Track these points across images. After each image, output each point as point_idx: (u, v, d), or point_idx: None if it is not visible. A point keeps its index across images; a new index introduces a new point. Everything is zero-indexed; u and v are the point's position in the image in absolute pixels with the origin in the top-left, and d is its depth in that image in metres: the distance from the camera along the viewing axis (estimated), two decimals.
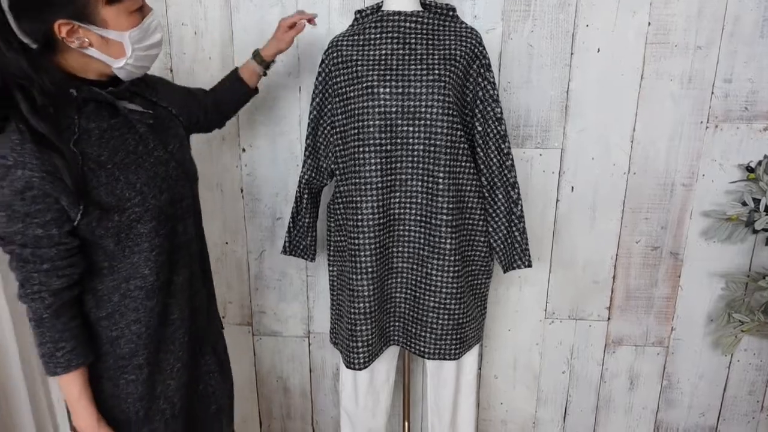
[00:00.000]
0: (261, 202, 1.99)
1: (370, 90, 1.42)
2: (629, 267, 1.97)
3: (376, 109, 1.42)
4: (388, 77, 1.42)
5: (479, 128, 1.52)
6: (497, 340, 2.08)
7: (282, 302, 2.10)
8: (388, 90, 1.41)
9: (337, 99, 1.50)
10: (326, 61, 1.51)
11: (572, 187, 1.90)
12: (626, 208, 1.91)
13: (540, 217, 1.93)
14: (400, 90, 1.41)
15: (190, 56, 1.87)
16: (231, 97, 1.59)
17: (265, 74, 1.61)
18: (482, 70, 1.49)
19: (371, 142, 1.43)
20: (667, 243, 1.93)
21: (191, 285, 1.26)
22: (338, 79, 1.48)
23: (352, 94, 1.46)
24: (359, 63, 1.44)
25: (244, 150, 1.95)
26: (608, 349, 2.06)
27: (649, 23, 1.75)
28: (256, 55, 1.59)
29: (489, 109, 1.51)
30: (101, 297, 1.13)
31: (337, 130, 1.52)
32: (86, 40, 1.04)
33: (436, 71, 1.42)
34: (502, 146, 1.53)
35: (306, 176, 1.61)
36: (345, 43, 1.48)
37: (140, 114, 1.15)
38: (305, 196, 1.63)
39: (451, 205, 1.46)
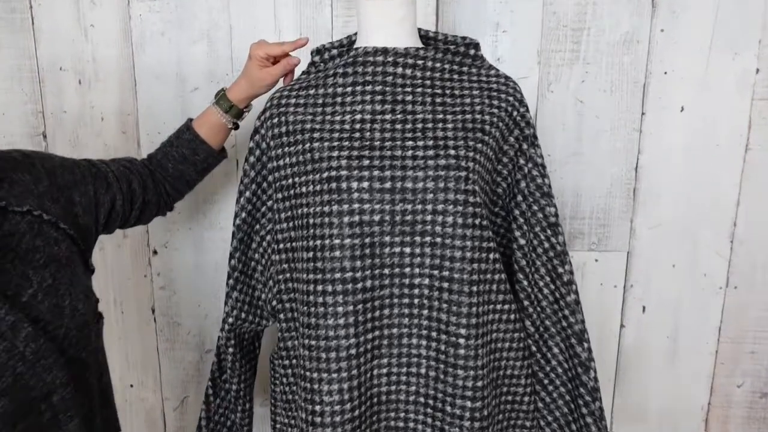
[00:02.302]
0: (182, 327, 1.35)
1: (335, 184, 0.80)
2: (727, 421, 1.34)
3: (346, 218, 0.80)
4: (366, 162, 0.80)
5: (521, 241, 0.90)
6: None
7: None
8: (366, 185, 0.80)
9: (281, 195, 0.88)
10: (262, 131, 0.90)
11: (643, 308, 1.29)
12: (723, 337, 1.29)
13: (596, 350, 1.31)
14: (387, 185, 0.80)
15: (73, 116, 1.26)
16: (180, 165, 1.01)
17: (235, 127, 1.03)
18: (525, 146, 0.89)
19: (338, 276, 0.80)
20: None
21: None
22: (282, 162, 0.87)
23: (303, 189, 0.84)
24: (316, 136, 0.83)
25: (155, 252, 1.32)
26: None
27: (758, 70, 1.17)
28: (221, 98, 1.01)
29: (536, 208, 0.90)
30: None
31: (281, 246, 0.90)
32: None
33: (452, 150, 0.81)
34: (560, 271, 0.91)
35: (232, 318, 0.97)
36: (293, 101, 0.88)
37: None
38: (230, 349, 0.98)
39: (479, 383, 0.83)
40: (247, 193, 0.92)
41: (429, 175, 0.80)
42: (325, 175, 0.81)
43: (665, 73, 1.19)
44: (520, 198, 0.90)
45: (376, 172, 0.80)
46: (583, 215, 1.26)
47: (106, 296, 1.35)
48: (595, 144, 1.22)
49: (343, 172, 0.80)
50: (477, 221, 0.81)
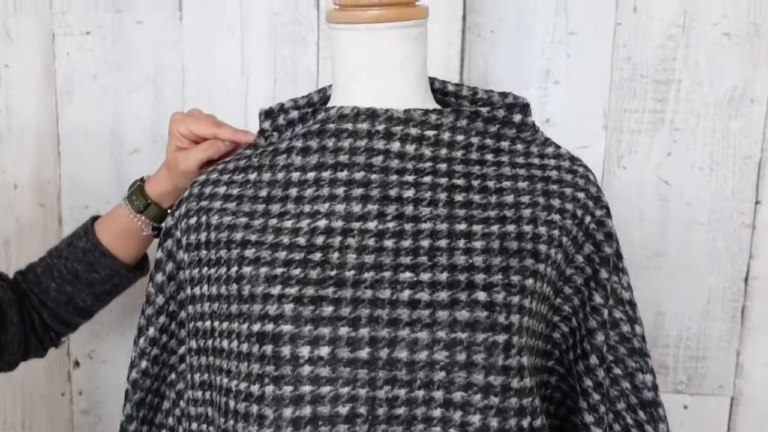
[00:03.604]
0: None
1: (270, 348, 0.46)
2: None
3: (288, 411, 0.45)
4: (328, 309, 0.46)
5: None
6: None
7: None
8: (326, 352, 0.46)
9: (195, 344, 0.55)
10: (177, 234, 0.57)
11: None
12: None
13: None
14: (364, 353, 0.46)
15: None
16: (70, 285, 0.70)
17: (156, 233, 0.71)
18: (603, 273, 0.54)
19: None
20: None
21: None
22: (198, 291, 0.54)
23: (225, 345, 0.50)
24: (249, 255, 0.50)
25: (77, 364, 1.02)
26: None
27: None
28: (135, 191, 0.70)
29: (619, 373, 0.55)
30: None
31: (195, 428, 0.55)
32: None
33: (481, 293, 0.47)
34: None
35: None
36: (222, 191, 0.55)
37: None
38: None
39: None
40: (151, 330, 0.58)
41: (440, 338, 0.45)
42: (255, 328, 0.46)
43: None
44: (594, 360, 0.54)
45: (343, 330, 0.45)
46: (666, 342, 0.89)
47: (13, 419, 1.03)
48: (687, 243, 0.86)
49: (286, 327, 0.46)
50: (525, 423, 0.45)
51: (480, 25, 0.86)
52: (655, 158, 0.86)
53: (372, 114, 0.53)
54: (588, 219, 0.54)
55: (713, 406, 0.90)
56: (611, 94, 0.85)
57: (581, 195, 0.53)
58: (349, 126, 0.52)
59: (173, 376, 0.61)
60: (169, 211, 0.69)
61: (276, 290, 0.47)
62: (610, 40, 0.84)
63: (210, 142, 0.63)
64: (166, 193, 0.67)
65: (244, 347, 0.47)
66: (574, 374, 0.57)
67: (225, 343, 0.50)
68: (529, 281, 0.48)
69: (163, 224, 0.70)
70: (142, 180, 0.70)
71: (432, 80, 0.59)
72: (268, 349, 0.46)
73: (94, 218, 0.72)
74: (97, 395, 1.02)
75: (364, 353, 0.45)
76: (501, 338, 0.45)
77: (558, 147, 0.56)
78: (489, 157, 0.54)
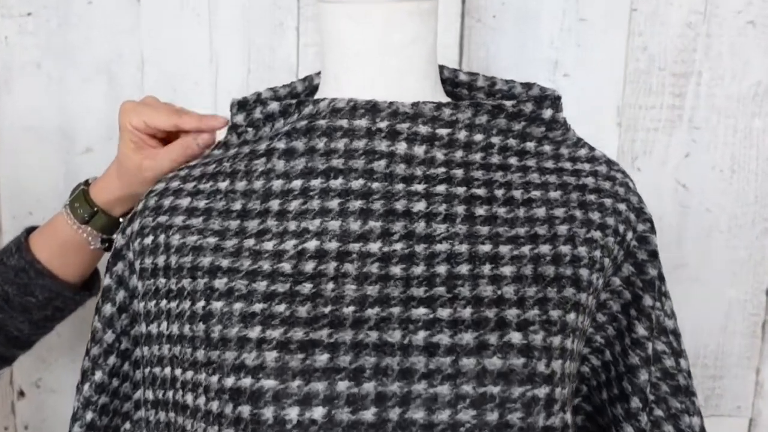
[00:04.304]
0: None
1: (247, 410, 0.37)
2: None
3: None
4: (322, 358, 0.37)
5: None
6: None
7: None
8: (320, 414, 0.36)
9: (152, 395, 0.45)
10: (130, 256, 0.47)
11: None
12: None
13: None
14: (368, 414, 0.36)
15: None
16: (0, 312, 0.58)
17: (106, 247, 0.59)
18: (646, 300, 0.46)
19: None
20: None
21: None
22: (154, 329, 0.44)
23: (189, 401, 0.40)
24: (219, 286, 0.40)
25: (22, 394, 0.91)
26: None
27: None
28: (77, 197, 0.58)
29: (660, 414, 0.47)
30: None
31: None
32: None
33: (515, 334, 0.38)
34: None
35: None
36: (185, 203, 0.45)
37: None
38: None
39: None
40: (98, 375, 0.47)
41: (465, 393, 0.36)
42: (228, 382, 0.36)
43: None
44: (636, 403, 0.45)
45: (342, 385, 0.36)
46: None
47: None
48: (706, 251, 0.80)
49: (269, 382, 0.36)
50: None
51: (480, 9, 0.77)
52: (673, 159, 0.78)
53: (372, 108, 0.43)
54: (630, 235, 0.45)
55: (731, 427, 0.84)
56: (625, 88, 0.78)
57: (622, 206, 0.45)
58: (345, 123, 0.43)
59: (127, 425, 0.51)
60: (121, 220, 0.58)
61: (254, 333, 0.37)
62: (625, 29, 0.76)
63: (179, 143, 0.52)
64: (117, 199, 0.56)
65: (214, 406, 0.37)
66: (609, 416, 0.49)
67: (189, 399, 0.39)
68: (571, 316, 0.39)
69: (114, 237, 0.60)
70: (86, 183, 0.59)
71: (440, 68, 0.50)
72: (245, 410, 0.36)
73: (30, 230, 0.61)
74: (45, 428, 0.91)
75: (369, 414, 0.36)
76: (542, 392, 0.36)
77: (592, 149, 0.48)
78: (513, 161, 0.45)
